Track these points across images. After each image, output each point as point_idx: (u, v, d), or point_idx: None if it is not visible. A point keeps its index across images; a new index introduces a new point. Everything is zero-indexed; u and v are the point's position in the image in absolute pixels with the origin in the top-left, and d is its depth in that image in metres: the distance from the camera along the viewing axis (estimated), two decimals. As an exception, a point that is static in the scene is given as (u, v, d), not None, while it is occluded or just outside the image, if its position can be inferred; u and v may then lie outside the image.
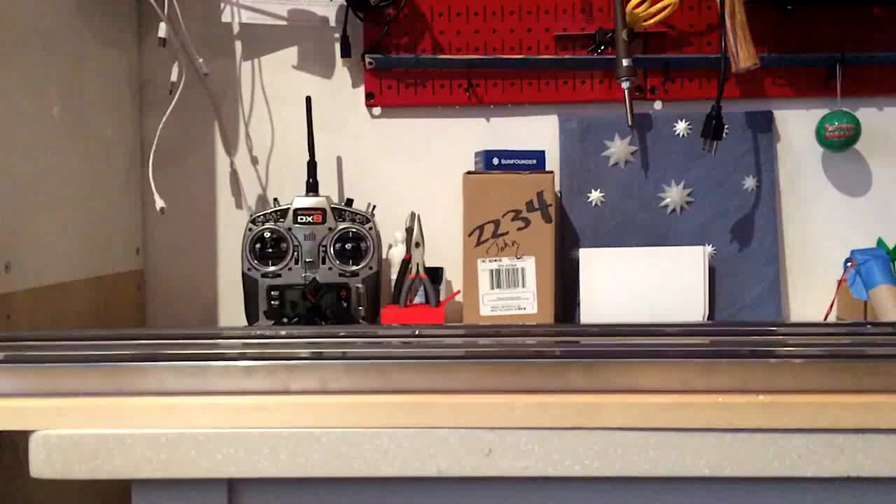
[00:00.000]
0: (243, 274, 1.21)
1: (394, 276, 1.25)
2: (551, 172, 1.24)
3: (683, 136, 1.32)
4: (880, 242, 1.23)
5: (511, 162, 1.24)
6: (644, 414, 0.71)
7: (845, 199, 1.34)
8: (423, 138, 1.35)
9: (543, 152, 1.26)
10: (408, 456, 0.71)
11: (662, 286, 1.24)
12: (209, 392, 0.74)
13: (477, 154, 1.29)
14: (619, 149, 1.32)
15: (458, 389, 0.74)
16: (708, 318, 1.25)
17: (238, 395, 0.74)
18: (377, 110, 1.35)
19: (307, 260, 1.21)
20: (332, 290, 1.19)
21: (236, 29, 1.34)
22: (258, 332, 1.01)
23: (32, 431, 0.72)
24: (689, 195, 1.32)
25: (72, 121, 1.13)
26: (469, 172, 1.25)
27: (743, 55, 1.22)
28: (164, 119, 1.24)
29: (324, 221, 1.21)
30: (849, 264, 1.19)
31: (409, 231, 1.23)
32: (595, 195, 1.32)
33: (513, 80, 1.33)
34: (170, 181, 1.29)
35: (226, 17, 1.32)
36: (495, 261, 1.22)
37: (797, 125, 1.33)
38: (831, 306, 1.22)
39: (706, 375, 0.74)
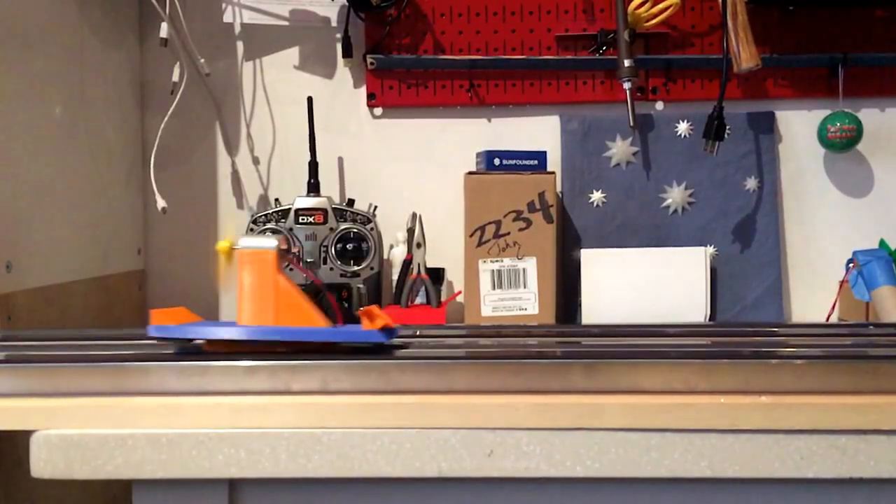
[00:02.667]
0: (244, 274, 1.21)
1: (395, 277, 1.25)
2: (553, 173, 1.24)
3: (685, 136, 1.32)
4: (882, 244, 1.23)
5: (512, 162, 1.24)
6: (645, 415, 0.71)
7: (847, 200, 1.34)
8: (424, 139, 1.35)
9: (545, 153, 1.26)
10: (409, 456, 0.71)
11: (664, 287, 1.24)
12: (210, 392, 0.74)
13: (478, 154, 1.28)
14: (620, 149, 1.32)
15: (459, 390, 0.74)
16: (709, 319, 1.25)
17: (239, 395, 0.74)
18: (379, 110, 1.34)
19: (308, 260, 1.21)
20: (333, 291, 1.19)
21: (238, 29, 1.34)
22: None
23: (33, 431, 0.72)
24: (690, 196, 1.32)
25: (73, 121, 1.13)
26: (470, 173, 1.25)
27: (745, 56, 1.22)
28: (165, 119, 1.24)
29: (325, 222, 1.21)
30: (851, 265, 1.19)
31: (411, 231, 1.23)
32: (596, 196, 1.32)
33: (514, 81, 1.33)
34: (171, 181, 1.29)
35: (227, 18, 1.32)
36: (496, 261, 1.22)
37: (799, 126, 1.33)
38: (833, 307, 1.22)
39: (708, 376, 0.74)
